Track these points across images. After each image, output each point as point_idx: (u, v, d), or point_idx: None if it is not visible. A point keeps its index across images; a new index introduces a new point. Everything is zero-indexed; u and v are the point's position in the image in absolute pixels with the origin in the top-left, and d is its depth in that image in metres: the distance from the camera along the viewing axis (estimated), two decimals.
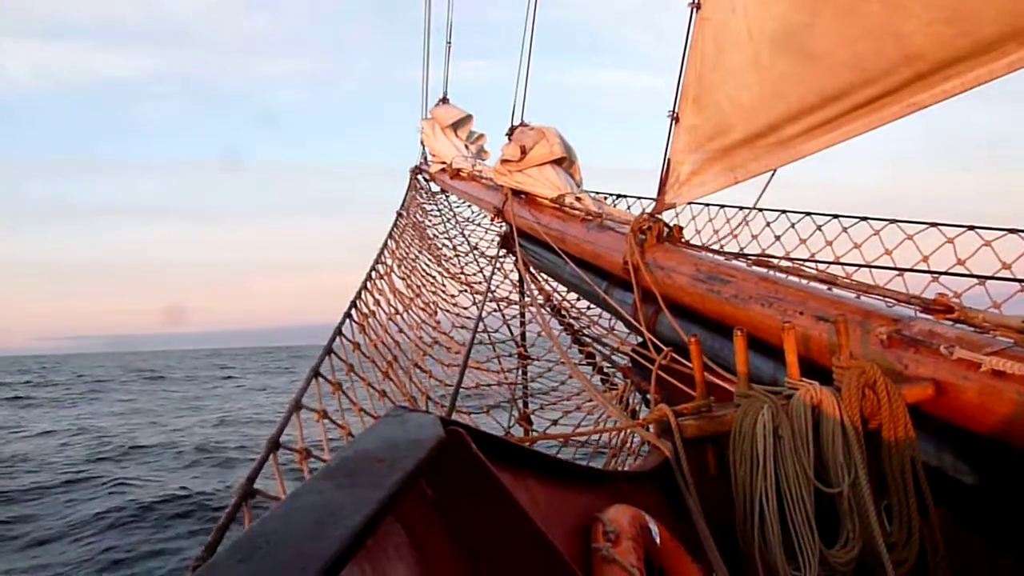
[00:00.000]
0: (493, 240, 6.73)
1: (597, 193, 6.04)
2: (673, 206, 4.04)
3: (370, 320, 3.87)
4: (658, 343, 3.30)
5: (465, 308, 5.67)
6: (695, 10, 3.56)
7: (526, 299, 5.58)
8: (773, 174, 3.52)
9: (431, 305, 5.27)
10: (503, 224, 6.19)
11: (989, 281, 3.60)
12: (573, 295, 5.28)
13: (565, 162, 5.70)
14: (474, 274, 6.44)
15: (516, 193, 5.81)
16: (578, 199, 5.24)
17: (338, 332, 3.15)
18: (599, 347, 4.82)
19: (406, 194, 7.86)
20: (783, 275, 3.24)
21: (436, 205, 8.15)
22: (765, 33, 3.19)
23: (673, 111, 3.75)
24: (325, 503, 0.85)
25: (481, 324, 4.71)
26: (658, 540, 1.66)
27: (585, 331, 5.06)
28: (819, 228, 4.76)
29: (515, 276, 6.00)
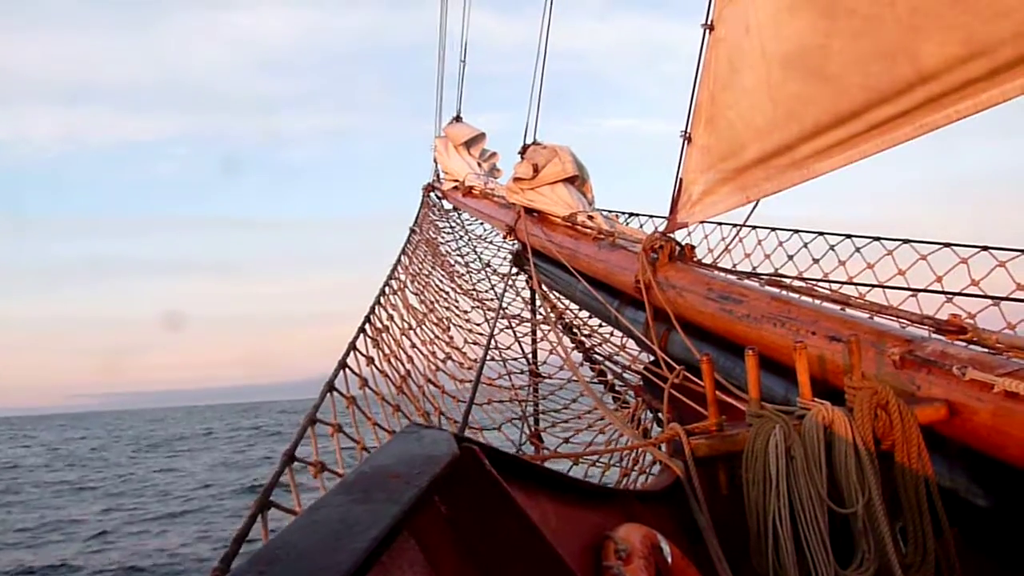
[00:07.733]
0: (505, 258, 6.76)
1: (609, 211, 6.06)
2: (685, 225, 4.05)
3: (383, 335, 3.88)
4: (670, 362, 3.30)
5: (478, 324, 5.67)
6: (708, 31, 3.58)
7: (538, 317, 5.58)
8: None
9: (444, 321, 5.28)
10: (515, 242, 6.21)
11: (1003, 302, 3.59)
12: (585, 313, 5.28)
13: (577, 180, 5.72)
14: (486, 291, 6.44)
15: (528, 211, 5.84)
16: (590, 217, 5.25)
17: (352, 347, 3.15)
18: (610, 365, 4.81)
19: (419, 211, 7.89)
20: (796, 295, 3.24)
21: (448, 222, 8.18)
22: (779, 53, 3.20)
23: (685, 131, 3.77)
24: (342, 517, 0.86)
25: (493, 341, 4.71)
26: (669, 559, 1.66)
27: (597, 349, 5.06)
28: (832, 248, 4.76)
29: (527, 294, 6.01)
